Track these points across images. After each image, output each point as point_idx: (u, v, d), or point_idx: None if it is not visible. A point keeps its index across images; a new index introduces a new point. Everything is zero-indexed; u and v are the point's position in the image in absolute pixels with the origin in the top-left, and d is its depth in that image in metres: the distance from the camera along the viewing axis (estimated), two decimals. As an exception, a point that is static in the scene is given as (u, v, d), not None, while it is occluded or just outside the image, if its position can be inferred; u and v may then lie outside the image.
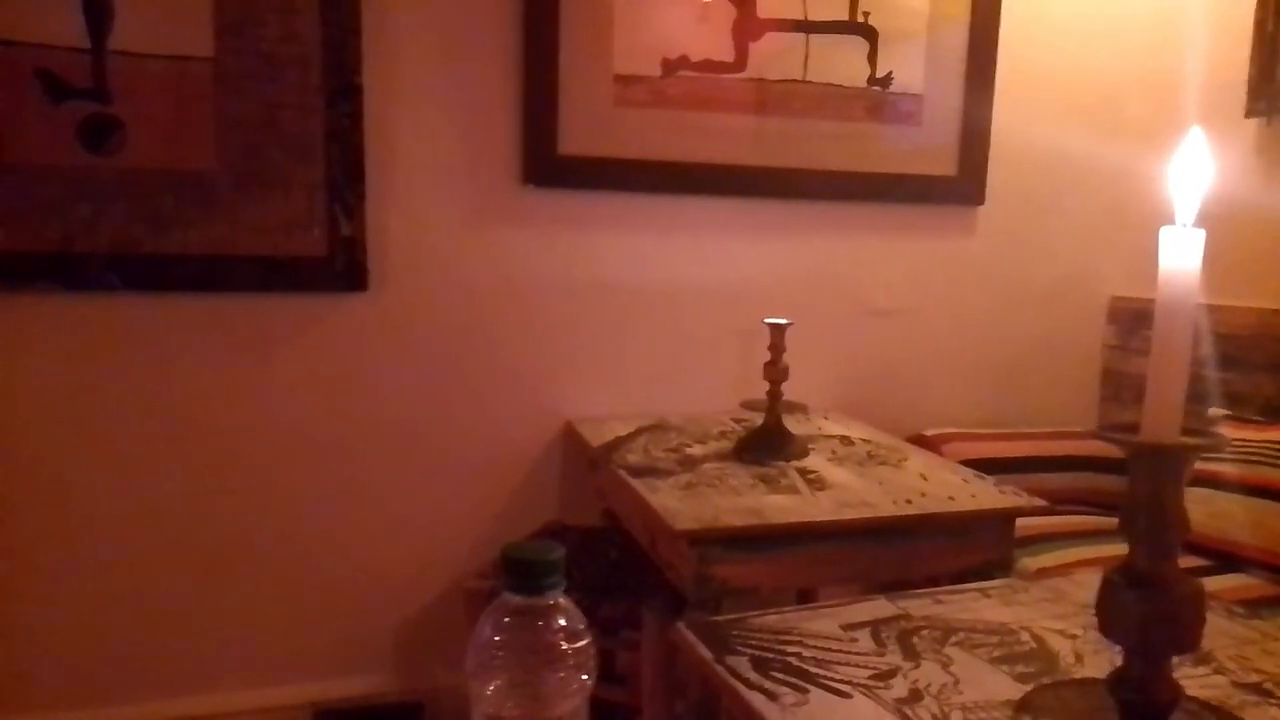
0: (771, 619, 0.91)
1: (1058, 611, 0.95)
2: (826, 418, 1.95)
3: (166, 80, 1.60)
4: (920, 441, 1.92)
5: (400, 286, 1.78)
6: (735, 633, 0.87)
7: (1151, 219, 0.66)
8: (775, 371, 1.66)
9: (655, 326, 1.94)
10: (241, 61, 1.63)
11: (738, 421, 1.86)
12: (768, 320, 1.66)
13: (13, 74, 1.53)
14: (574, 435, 1.85)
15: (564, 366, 1.90)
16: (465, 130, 1.78)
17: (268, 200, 1.67)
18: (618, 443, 1.68)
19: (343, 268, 1.72)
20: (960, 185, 2.08)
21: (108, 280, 1.61)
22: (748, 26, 1.89)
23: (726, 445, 1.68)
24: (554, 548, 0.55)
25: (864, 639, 0.87)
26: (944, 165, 2.06)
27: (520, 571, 0.54)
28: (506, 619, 0.55)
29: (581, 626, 0.56)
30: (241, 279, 1.68)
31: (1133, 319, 2.19)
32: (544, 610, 0.54)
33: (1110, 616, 0.66)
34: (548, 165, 1.82)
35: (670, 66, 1.86)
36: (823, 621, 0.90)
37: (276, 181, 1.67)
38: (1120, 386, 2.23)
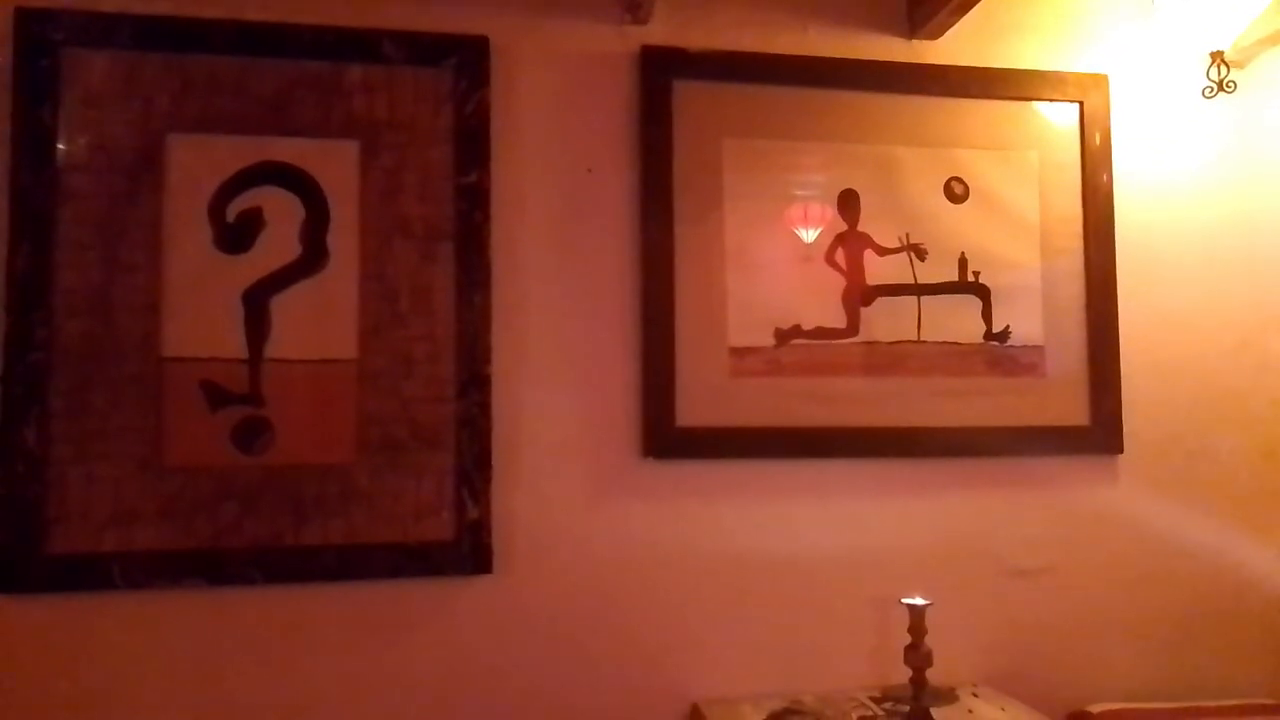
0: None
1: None
2: (976, 694, 1.79)
3: (313, 382, 1.72)
4: (1085, 723, 1.74)
5: (524, 566, 1.78)
6: None
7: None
8: (918, 657, 1.56)
9: (783, 597, 1.87)
10: (381, 361, 1.74)
11: (877, 702, 1.73)
12: (905, 601, 1.58)
13: (180, 386, 1.68)
14: (702, 720, 1.75)
15: (690, 643, 1.83)
16: (586, 409, 1.83)
17: (401, 488, 1.73)
18: (751, 738, 1.58)
19: (469, 550, 1.74)
20: (1094, 434, 1.99)
21: (250, 575, 1.67)
22: (857, 293, 1.93)
23: (870, 740, 1.56)
24: None
25: None
26: (1075, 415, 1.98)
27: None
28: None
29: None
30: (375, 566, 1.71)
31: (1312, 570, 1.99)
32: None
33: None
34: (667, 438, 1.84)
35: (783, 336, 1.90)
36: None
37: (410, 470, 1.74)
38: (1310, 647, 1.99)
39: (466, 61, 1.80)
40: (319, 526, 1.70)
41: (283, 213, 1.73)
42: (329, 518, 1.71)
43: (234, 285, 1.70)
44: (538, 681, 1.78)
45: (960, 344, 1.96)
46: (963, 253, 1.97)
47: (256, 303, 1.70)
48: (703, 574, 1.85)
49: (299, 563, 1.69)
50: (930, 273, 1.95)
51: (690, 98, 1.90)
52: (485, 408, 1.76)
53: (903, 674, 1.71)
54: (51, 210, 1.65)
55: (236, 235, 1.71)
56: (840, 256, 1.93)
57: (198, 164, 1.71)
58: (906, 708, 1.56)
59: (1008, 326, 1.98)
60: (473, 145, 1.79)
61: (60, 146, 1.66)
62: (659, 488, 1.85)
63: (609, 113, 1.89)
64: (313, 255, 1.73)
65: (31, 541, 1.59)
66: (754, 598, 1.86)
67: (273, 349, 1.71)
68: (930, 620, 1.67)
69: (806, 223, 1.93)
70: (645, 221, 1.86)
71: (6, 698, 1.61)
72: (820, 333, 1.91)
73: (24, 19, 1.65)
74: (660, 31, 1.91)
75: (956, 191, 1.98)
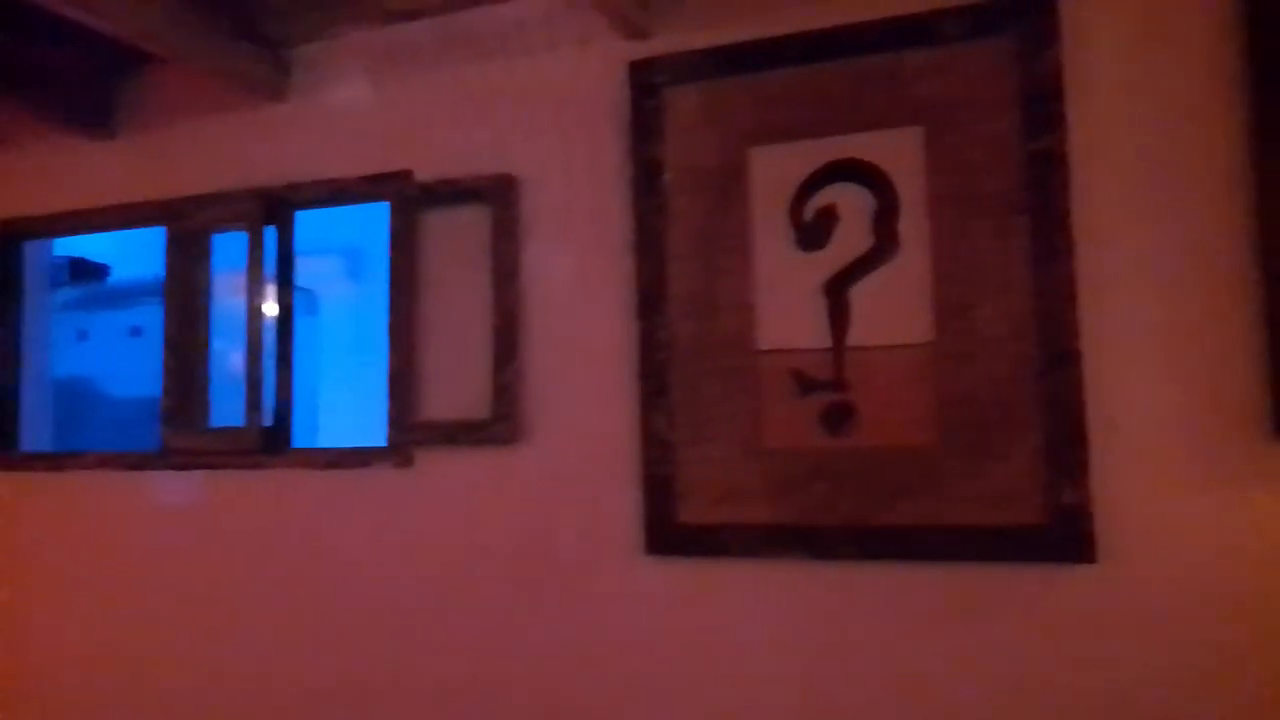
0: None
1: None
2: None
3: (892, 367, 1.77)
4: None
5: (1132, 556, 1.62)
6: None
7: None
8: None
9: None
10: (958, 342, 1.73)
11: None
12: None
13: (773, 375, 1.84)
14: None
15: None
16: (1193, 384, 1.62)
17: (983, 471, 1.70)
18: None
19: (1065, 537, 1.64)
20: None
21: (843, 550, 1.77)
22: None
23: None
24: None
25: None
26: None
27: None
28: None
29: None
30: (961, 549, 1.70)
31: None
32: None
33: None
34: (1309, 415, 1.55)
35: None
36: None
37: (991, 453, 1.70)
38: None
39: (1032, 22, 1.71)
40: (904, 507, 1.75)
41: (854, 206, 1.81)
42: (913, 498, 1.74)
43: (814, 280, 1.82)
44: (1148, 684, 1.62)
45: None
46: None
47: (836, 294, 1.81)
48: (1370, 579, 1.53)
49: (886, 541, 1.75)
50: None
51: (1317, 7, 1.58)
52: (1076, 385, 1.65)
53: None
54: (662, 230, 1.93)
55: (814, 233, 1.83)
56: None
57: (776, 172, 1.86)
58: None
59: None
60: (1043, 109, 1.69)
61: (666, 175, 1.93)
62: (1299, 473, 1.57)
63: (1203, 50, 1.65)
64: (885, 244, 1.79)
65: (668, 512, 1.88)
66: None
67: (853, 337, 1.79)
68: None
69: None
70: (1260, 171, 1.59)
71: (642, 637, 1.91)
72: None
73: (635, 69, 1.95)
74: (1265, -62, 1.63)
75: None
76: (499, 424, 2.01)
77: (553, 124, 2.05)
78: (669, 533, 1.87)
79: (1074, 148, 1.68)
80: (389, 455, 2.11)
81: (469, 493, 2.07)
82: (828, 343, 1.81)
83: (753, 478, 1.85)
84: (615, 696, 1.92)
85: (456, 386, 2.07)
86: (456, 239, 2.10)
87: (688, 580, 1.89)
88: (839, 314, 1.81)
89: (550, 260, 2.04)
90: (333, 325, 6.93)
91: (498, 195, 2.04)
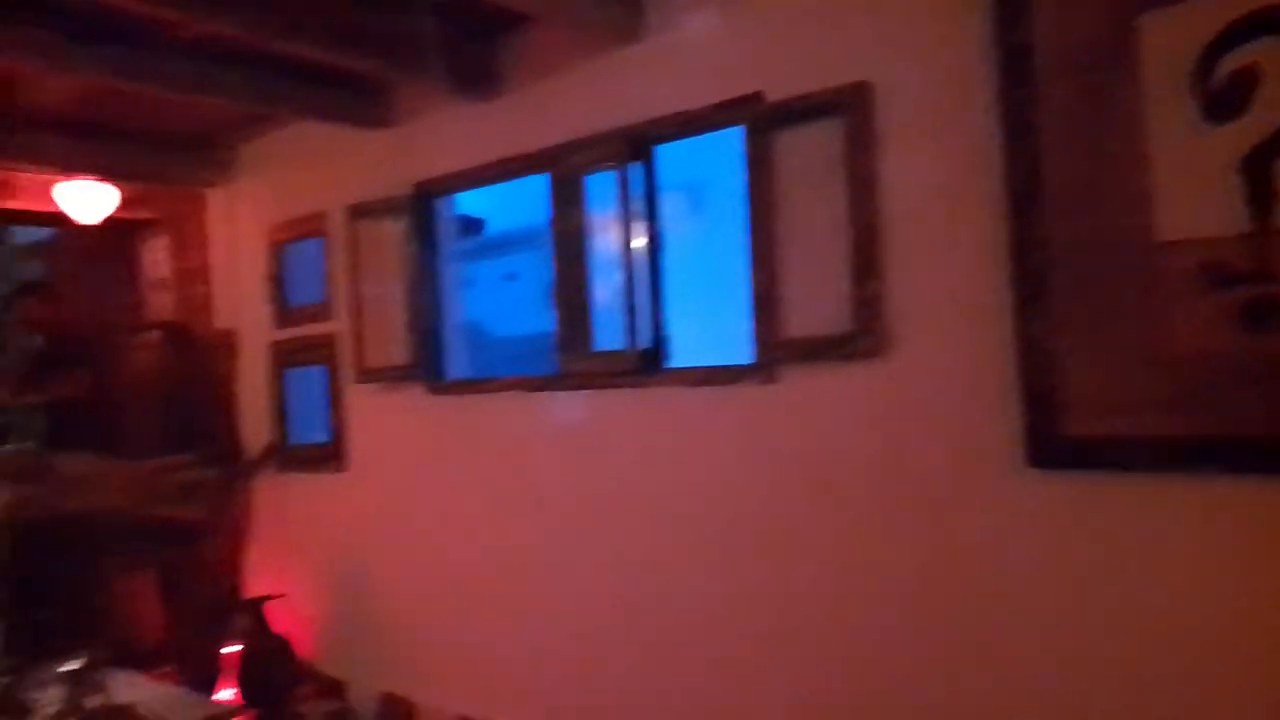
0: None
1: None
2: None
3: (1337, 249, 1.50)
4: None
5: None
6: None
7: None
8: None
9: None
10: None
11: None
12: None
13: (1177, 269, 1.64)
14: None
15: None
16: None
17: None
18: None
19: None
20: None
21: (1275, 465, 1.56)
22: None
23: None
24: None
25: None
26: None
27: None
28: None
29: None
30: None
31: None
32: None
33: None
34: None
35: None
36: None
37: None
38: None
39: None
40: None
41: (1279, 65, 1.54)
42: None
43: (1227, 156, 1.58)
44: None
45: None
46: None
47: (1259, 170, 1.55)
48: None
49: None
50: None
51: None
52: None
53: None
54: (1034, 119, 1.77)
55: (1225, 101, 1.59)
56: None
57: (1173, 36, 1.63)
58: None
59: None
60: None
61: (1036, 59, 1.77)
62: None
63: None
64: (1325, 103, 1.50)
65: (1052, 424, 1.76)
66: None
67: (1281, 218, 1.54)
68: None
69: None
70: None
71: (1021, 554, 1.82)
72: None
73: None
74: None
75: None
76: (861, 338, 2.00)
77: (906, 21, 1.96)
78: (1055, 445, 1.76)
79: None
80: (755, 372, 2.20)
81: (832, 407, 2.10)
82: (1248, 227, 1.57)
83: (1155, 384, 1.67)
84: (991, 611, 1.87)
85: (816, 303, 2.09)
86: (809, 156, 2.10)
87: (1078, 497, 1.76)
88: (1263, 192, 1.55)
89: (909, 166, 1.97)
90: (678, 257, 7.26)
91: (852, 105, 2.00)
